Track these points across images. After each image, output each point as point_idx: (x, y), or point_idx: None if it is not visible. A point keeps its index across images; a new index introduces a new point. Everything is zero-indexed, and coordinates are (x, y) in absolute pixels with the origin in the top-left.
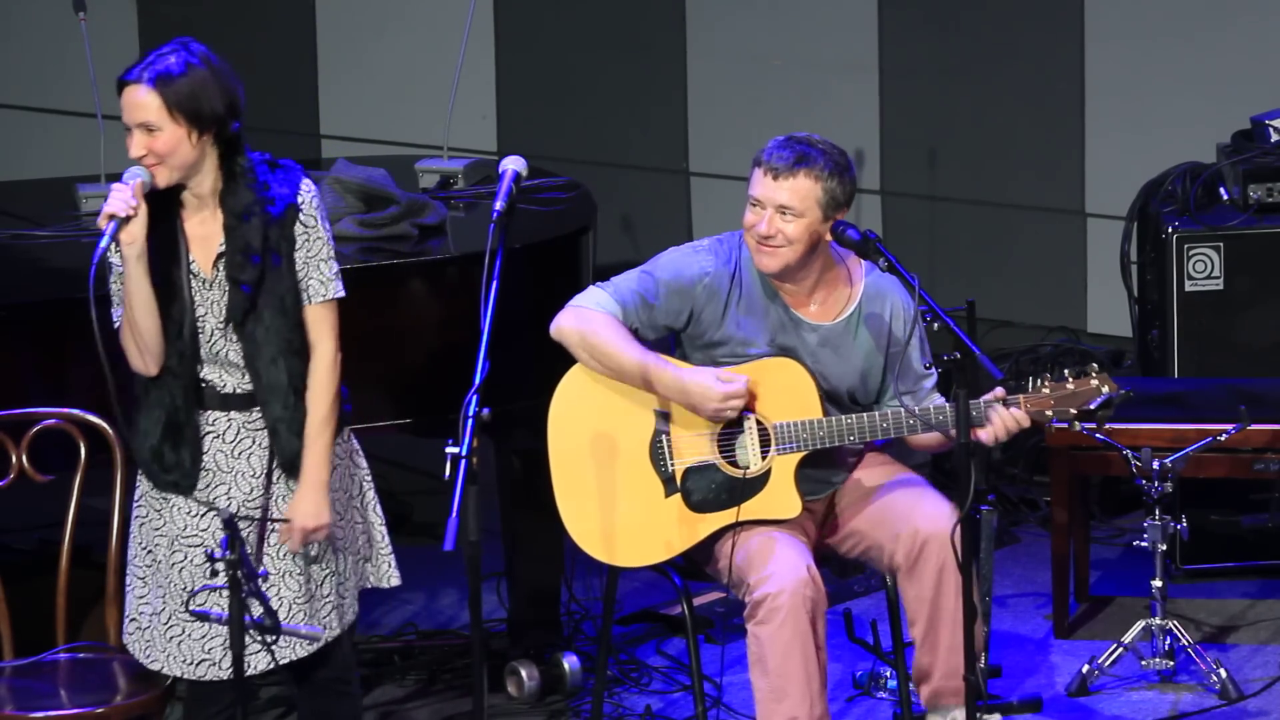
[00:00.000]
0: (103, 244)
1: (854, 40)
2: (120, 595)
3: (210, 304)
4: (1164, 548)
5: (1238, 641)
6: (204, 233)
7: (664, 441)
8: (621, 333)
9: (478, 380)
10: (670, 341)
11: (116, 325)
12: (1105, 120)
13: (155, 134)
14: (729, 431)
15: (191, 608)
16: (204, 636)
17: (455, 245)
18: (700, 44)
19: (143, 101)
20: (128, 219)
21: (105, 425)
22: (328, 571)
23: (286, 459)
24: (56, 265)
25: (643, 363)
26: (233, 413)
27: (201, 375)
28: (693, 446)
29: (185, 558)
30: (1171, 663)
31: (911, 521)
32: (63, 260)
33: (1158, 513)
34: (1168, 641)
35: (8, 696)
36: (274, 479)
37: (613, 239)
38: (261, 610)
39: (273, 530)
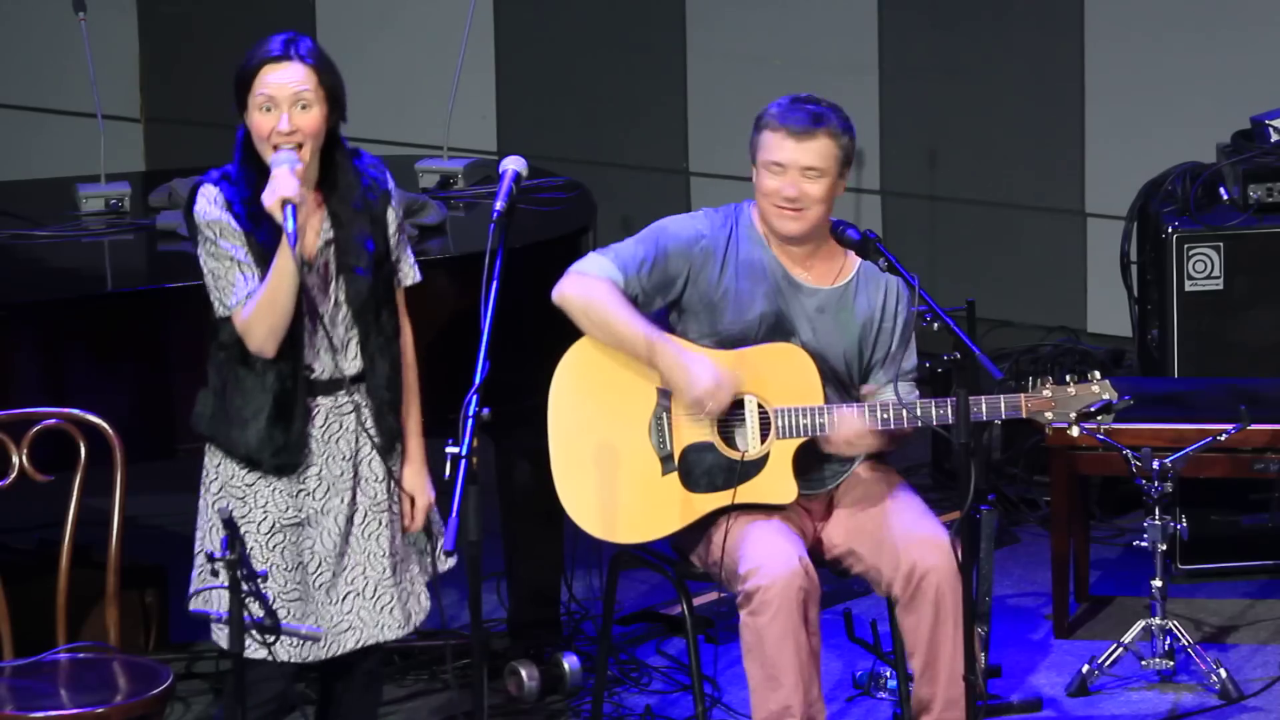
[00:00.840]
0: (291, 229)
1: (854, 40)
2: (119, 595)
3: (314, 289)
4: (1164, 548)
5: (1238, 641)
6: (301, 220)
7: (664, 420)
8: (623, 301)
9: (478, 380)
10: (664, 315)
11: (224, 313)
12: (1105, 120)
13: (308, 111)
14: (729, 414)
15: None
16: (302, 617)
17: (455, 245)
18: (700, 44)
19: (301, 77)
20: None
21: (105, 425)
22: (416, 569)
23: (389, 440)
24: (56, 265)
25: (643, 334)
26: (319, 397)
27: (305, 361)
28: (692, 426)
29: (285, 539)
30: (1171, 663)
31: (909, 553)
32: (63, 260)
33: (1158, 512)
34: (1168, 641)
35: (8, 696)
36: (361, 460)
37: (612, 239)
38: (261, 610)
39: (376, 520)
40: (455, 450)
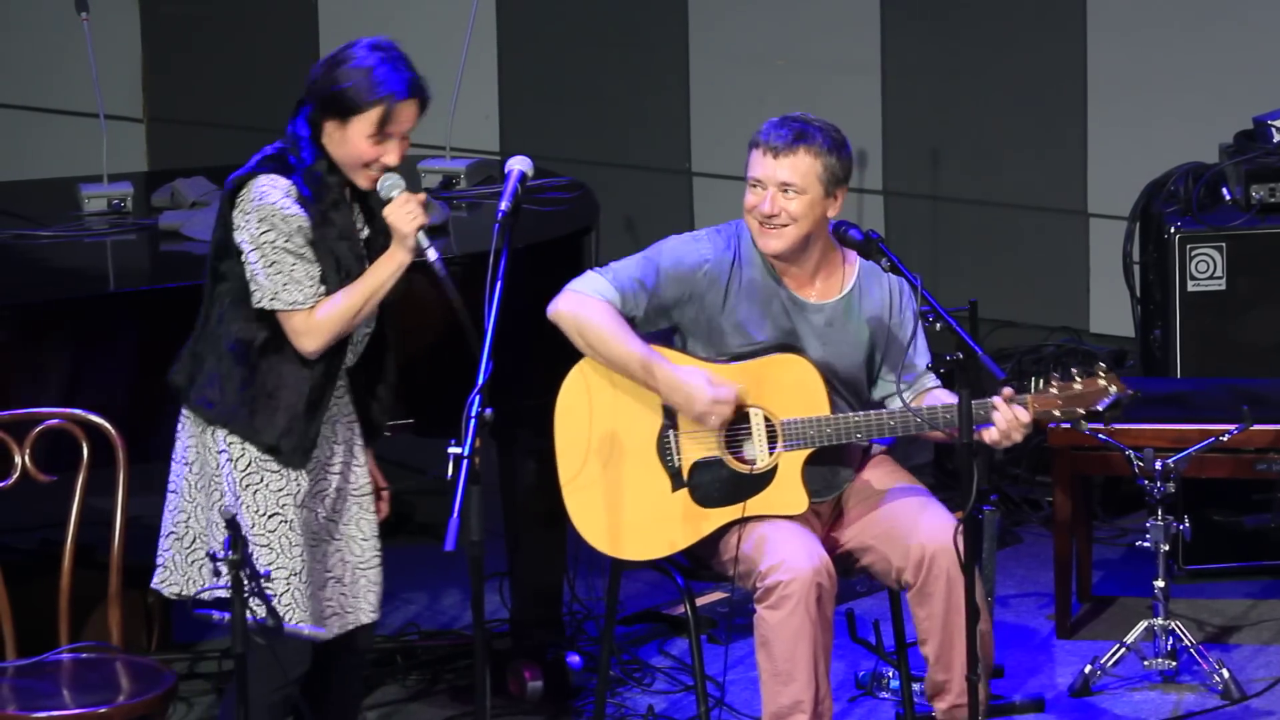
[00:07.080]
0: (436, 256)
1: (856, 40)
2: (122, 595)
3: None
4: (1166, 548)
5: (1240, 642)
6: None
7: (671, 436)
8: (618, 322)
9: (481, 380)
10: (668, 335)
11: (280, 306)
12: (1107, 120)
13: (403, 143)
14: (736, 427)
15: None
16: (325, 593)
17: (457, 245)
18: (702, 43)
19: (415, 115)
20: None
21: (108, 425)
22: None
23: (382, 424)
24: (59, 265)
25: (637, 354)
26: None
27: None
28: (700, 441)
29: (297, 518)
30: (1174, 663)
31: (917, 539)
32: (65, 260)
33: (1160, 513)
34: (1170, 642)
35: (11, 696)
36: (351, 445)
37: (615, 239)
38: (264, 610)
39: (358, 505)
40: (457, 450)
